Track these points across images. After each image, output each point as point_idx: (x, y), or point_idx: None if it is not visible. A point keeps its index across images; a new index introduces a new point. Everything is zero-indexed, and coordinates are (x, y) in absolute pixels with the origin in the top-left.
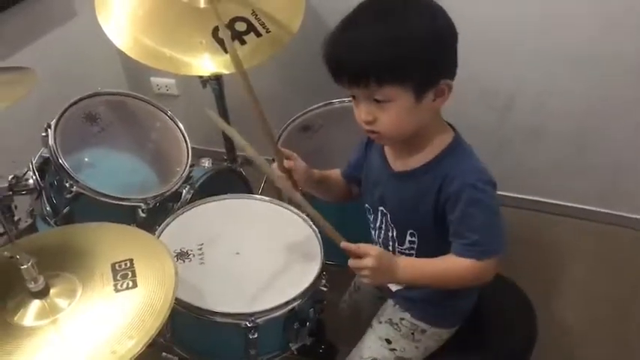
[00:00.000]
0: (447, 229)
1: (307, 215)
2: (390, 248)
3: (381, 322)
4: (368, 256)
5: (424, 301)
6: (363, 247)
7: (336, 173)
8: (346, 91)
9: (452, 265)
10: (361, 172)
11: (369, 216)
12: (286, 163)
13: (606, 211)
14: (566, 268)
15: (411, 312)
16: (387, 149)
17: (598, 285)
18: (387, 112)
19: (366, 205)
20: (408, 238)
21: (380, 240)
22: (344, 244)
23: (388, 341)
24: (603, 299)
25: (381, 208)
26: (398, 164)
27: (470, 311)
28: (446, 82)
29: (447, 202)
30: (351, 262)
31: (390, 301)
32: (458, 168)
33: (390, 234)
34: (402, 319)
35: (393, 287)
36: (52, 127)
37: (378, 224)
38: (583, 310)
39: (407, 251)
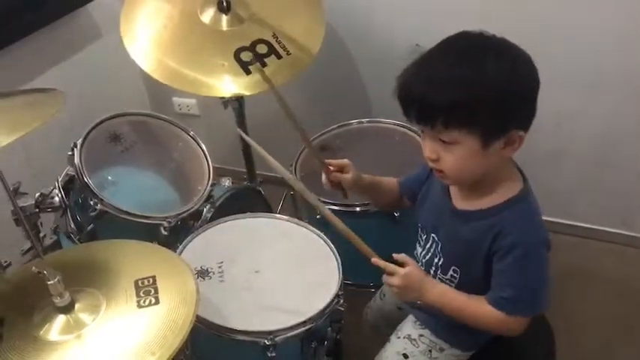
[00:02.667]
0: (490, 274)
1: (338, 230)
2: (432, 273)
3: (399, 337)
4: (397, 274)
5: (445, 320)
6: (392, 266)
7: (389, 181)
8: (362, 114)
9: (481, 311)
10: (419, 189)
11: (420, 233)
12: (334, 177)
13: (628, 233)
14: (587, 291)
15: (430, 329)
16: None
17: (619, 308)
18: (451, 154)
19: (419, 224)
20: (451, 273)
21: (424, 260)
22: (375, 260)
23: (405, 356)
24: (624, 322)
25: (433, 235)
26: (460, 202)
27: (489, 337)
28: (517, 133)
29: (496, 253)
30: (384, 278)
31: (411, 317)
32: (516, 224)
33: (436, 260)
34: (421, 335)
35: None
36: (78, 146)
37: (427, 245)
38: (604, 333)
39: (447, 282)
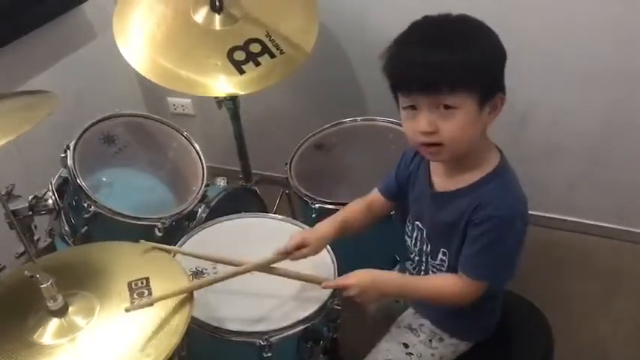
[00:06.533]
0: None
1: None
2: (424, 260)
3: (400, 327)
4: (348, 287)
5: (445, 311)
6: (340, 281)
7: (359, 208)
8: (356, 112)
9: (440, 280)
10: (405, 183)
11: (407, 224)
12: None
13: (623, 228)
14: (582, 286)
15: (430, 319)
16: (433, 169)
17: (614, 303)
18: (450, 121)
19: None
20: (440, 256)
21: (416, 249)
22: (324, 284)
23: (405, 345)
24: (620, 317)
25: (417, 222)
26: (441, 185)
27: (492, 329)
28: (501, 95)
29: (471, 221)
30: (344, 295)
31: (410, 309)
32: (493, 198)
33: (424, 248)
34: (421, 325)
35: None
36: (71, 148)
37: (414, 235)
38: (600, 328)
39: (437, 267)
